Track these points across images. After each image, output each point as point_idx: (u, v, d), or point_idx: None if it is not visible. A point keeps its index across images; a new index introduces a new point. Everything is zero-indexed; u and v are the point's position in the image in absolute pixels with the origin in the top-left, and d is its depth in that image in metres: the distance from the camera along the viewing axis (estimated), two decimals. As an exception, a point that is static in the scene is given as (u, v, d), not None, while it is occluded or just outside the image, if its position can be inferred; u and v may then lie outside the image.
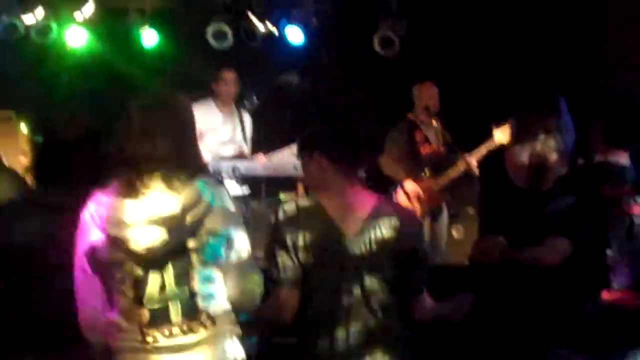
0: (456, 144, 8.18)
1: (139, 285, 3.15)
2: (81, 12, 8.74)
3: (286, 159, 7.79)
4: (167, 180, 3.17)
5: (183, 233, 3.16)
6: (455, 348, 5.68)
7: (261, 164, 8.05)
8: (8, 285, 3.53)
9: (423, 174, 8.17)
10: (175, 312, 3.18)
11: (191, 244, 3.18)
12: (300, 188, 8.09)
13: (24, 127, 9.11)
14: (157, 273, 3.16)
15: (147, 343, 3.16)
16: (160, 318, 3.17)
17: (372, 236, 3.69)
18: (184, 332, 3.17)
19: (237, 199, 6.14)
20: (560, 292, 4.15)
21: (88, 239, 3.17)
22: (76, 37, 9.11)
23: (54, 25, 8.83)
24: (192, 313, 3.20)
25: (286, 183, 8.36)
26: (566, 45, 8.79)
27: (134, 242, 3.11)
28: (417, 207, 8.06)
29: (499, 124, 7.59)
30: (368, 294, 3.68)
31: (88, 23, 9.05)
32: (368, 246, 3.68)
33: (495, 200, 4.53)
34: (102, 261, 3.17)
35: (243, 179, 7.80)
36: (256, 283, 3.34)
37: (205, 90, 8.91)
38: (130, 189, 3.16)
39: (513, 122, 4.62)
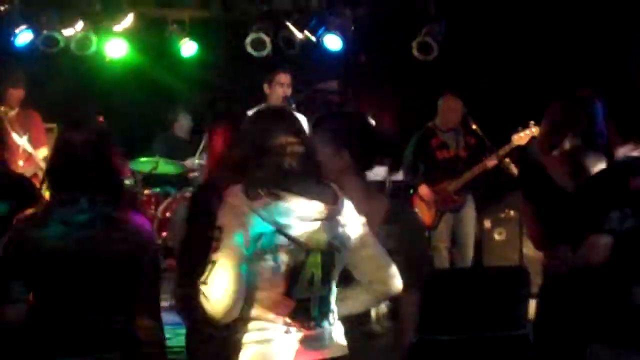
0: (484, 146, 8.37)
1: (293, 277, 3.19)
2: (120, 24, 8.77)
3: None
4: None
5: (333, 230, 3.23)
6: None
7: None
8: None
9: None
10: (314, 307, 3.24)
11: (335, 242, 3.25)
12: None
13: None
14: (310, 266, 3.22)
15: (287, 334, 3.19)
16: (301, 311, 3.22)
17: None
18: (319, 327, 3.24)
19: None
20: (603, 288, 4.13)
21: (252, 227, 3.16)
22: (115, 48, 9.17)
23: (93, 37, 8.89)
24: (327, 310, 3.27)
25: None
26: (601, 47, 8.75)
27: (296, 231, 3.16)
28: (432, 211, 8.40)
29: (524, 126, 8.01)
30: None
31: (127, 34, 9.10)
32: None
33: (546, 208, 4.49)
34: (264, 248, 3.17)
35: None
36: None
37: (241, 99, 8.96)
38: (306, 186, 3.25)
39: (546, 125, 4.60)
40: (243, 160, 3.31)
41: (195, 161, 8.91)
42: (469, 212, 8.54)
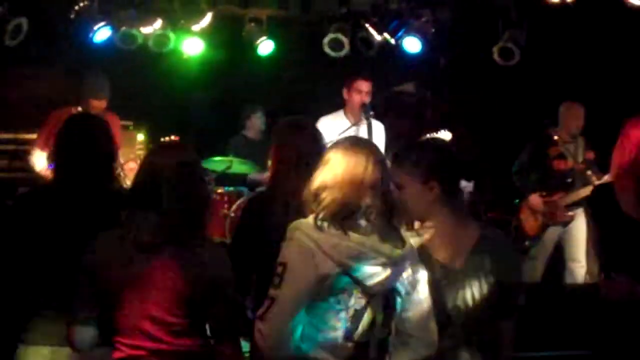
0: (597, 163, 8.08)
1: (356, 318, 3.17)
2: (199, 23, 8.74)
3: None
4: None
5: (398, 275, 3.21)
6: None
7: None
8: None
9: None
10: (373, 350, 3.22)
11: (399, 287, 3.23)
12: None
13: (140, 136, 9.24)
14: (372, 309, 3.19)
15: None
16: (360, 354, 3.20)
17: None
18: None
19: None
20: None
21: (314, 267, 3.13)
22: (193, 46, 9.15)
23: (171, 35, 8.88)
24: (383, 354, 3.25)
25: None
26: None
27: (364, 274, 3.13)
28: (538, 221, 8.16)
29: None
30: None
31: (204, 32, 9.07)
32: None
33: (609, 233, 4.33)
34: (330, 289, 3.15)
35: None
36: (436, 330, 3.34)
37: (318, 100, 8.86)
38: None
39: (621, 151, 4.38)
40: (316, 193, 3.23)
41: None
42: (580, 227, 8.15)
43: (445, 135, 7.82)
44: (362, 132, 7.76)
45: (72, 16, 8.31)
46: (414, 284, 3.27)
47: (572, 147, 8.23)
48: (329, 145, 3.67)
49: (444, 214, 3.53)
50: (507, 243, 3.97)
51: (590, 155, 8.17)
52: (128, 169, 7.65)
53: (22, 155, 8.29)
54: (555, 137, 8.23)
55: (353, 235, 3.12)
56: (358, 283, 3.13)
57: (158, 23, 8.79)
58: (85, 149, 4.17)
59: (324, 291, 3.13)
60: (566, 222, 8.18)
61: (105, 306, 3.48)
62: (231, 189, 9.23)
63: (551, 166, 8.18)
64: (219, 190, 9.13)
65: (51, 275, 3.97)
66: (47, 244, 4.02)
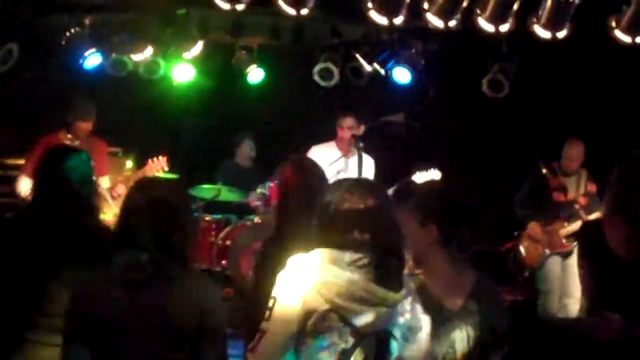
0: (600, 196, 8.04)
1: (344, 358, 3.11)
2: (190, 52, 8.75)
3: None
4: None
5: (392, 318, 3.16)
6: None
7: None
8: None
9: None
10: None
11: (393, 330, 3.17)
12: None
13: (129, 163, 9.22)
14: (363, 350, 3.14)
15: None
16: None
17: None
18: None
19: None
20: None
21: (307, 303, 3.10)
22: (183, 73, 9.16)
23: (161, 62, 8.89)
24: None
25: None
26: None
27: (357, 316, 3.09)
28: (538, 251, 8.21)
29: None
30: None
31: (195, 59, 9.08)
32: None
33: (597, 271, 4.32)
34: (317, 327, 3.11)
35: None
36: None
37: (307, 129, 8.86)
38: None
39: (610, 190, 4.36)
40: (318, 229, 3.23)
41: (257, 190, 8.83)
42: (576, 261, 8.16)
43: (434, 174, 7.82)
44: (352, 164, 7.79)
45: (63, 42, 8.31)
46: (414, 330, 3.23)
47: (574, 179, 8.31)
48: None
49: (441, 256, 3.53)
50: (498, 290, 3.98)
51: (593, 187, 8.21)
52: (117, 194, 7.65)
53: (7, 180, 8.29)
54: (557, 169, 8.33)
55: (344, 274, 3.10)
56: (347, 323, 3.10)
57: (149, 50, 8.81)
58: (58, 185, 4.26)
59: (312, 328, 3.10)
60: (566, 254, 8.18)
61: (95, 346, 3.45)
62: (219, 216, 9.24)
63: (551, 198, 8.24)
64: (207, 218, 9.14)
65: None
66: (10, 275, 4.09)
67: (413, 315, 3.23)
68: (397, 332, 3.19)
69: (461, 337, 3.46)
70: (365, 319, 3.10)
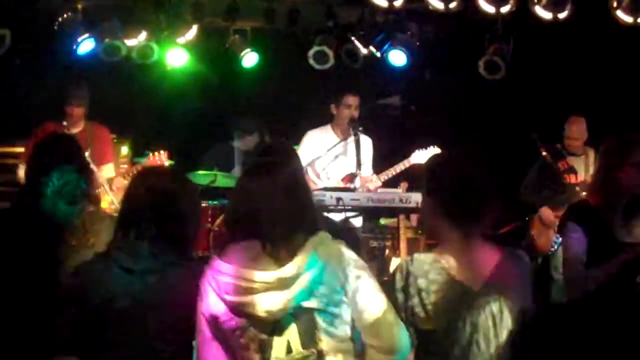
0: None
1: (265, 349, 3.11)
2: (184, 36, 8.67)
3: (390, 191, 7.58)
4: (286, 244, 3.16)
5: (302, 295, 3.10)
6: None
7: (372, 189, 7.81)
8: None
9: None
10: None
11: (312, 304, 3.12)
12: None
13: (124, 149, 9.15)
14: (282, 336, 3.11)
15: None
16: None
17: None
18: None
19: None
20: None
21: (209, 306, 3.16)
22: (176, 57, 9.07)
23: (155, 47, 8.80)
24: None
25: (386, 210, 8.17)
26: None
27: (255, 306, 3.07)
28: (550, 238, 8.08)
29: None
30: None
31: (189, 44, 9.00)
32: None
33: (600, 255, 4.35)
34: (225, 328, 3.14)
35: (347, 210, 7.59)
36: (398, 335, 3.22)
37: (302, 113, 8.80)
38: (254, 254, 3.15)
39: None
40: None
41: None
42: None
43: (434, 151, 7.78)
44: (350, 147, 7.75)
45: (56, 28, 8.23)
46: (353, 293, 3.16)
47: (582, 160, 8.28)
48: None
49: (454, 235, 3.44)
50: (525, 272, 3.67)
51: None
52: (117, 186, 7.60)
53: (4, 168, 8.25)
54: (564, 151, 8.29)
55: (244, 268, 3.13)
56: (248, 317, 3.10)
57: (142, 35, 8.73)
58: (47, 175, 4.34)
59: (224, 329, 3.15)
60: None
61: (91, 337, 3.41)
62: (215, 202, 9.17)
63: (561, 180, 8.17)
64: (203, 204, 9.07)
65: None
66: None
67: (343, 281, 3.16)
68: (320, 305, 3.13)
69: (484, 318, 3.35)
70: (265, 306, 3.08)
